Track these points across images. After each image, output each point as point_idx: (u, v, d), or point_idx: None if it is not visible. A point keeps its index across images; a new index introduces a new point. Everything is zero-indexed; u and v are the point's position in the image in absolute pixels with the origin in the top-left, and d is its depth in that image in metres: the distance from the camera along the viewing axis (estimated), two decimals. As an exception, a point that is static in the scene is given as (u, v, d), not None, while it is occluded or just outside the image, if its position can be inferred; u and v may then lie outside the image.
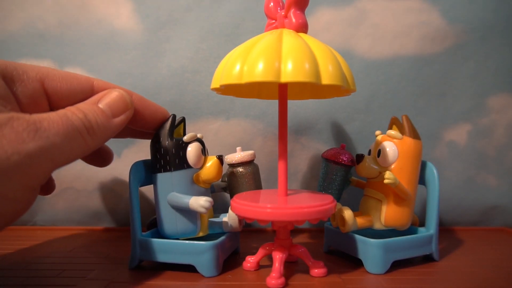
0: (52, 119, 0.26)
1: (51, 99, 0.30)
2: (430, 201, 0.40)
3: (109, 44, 0.49)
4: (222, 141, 0.49)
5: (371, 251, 0.35)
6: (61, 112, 0.27)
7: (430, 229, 0.39)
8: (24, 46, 0.48)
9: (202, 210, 0.33)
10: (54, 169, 0.27)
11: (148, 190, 0.38)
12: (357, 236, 0.37)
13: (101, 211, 0.50)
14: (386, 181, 0.35)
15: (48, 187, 0.37)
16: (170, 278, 0.34)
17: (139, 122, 0.35)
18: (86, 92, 0.31)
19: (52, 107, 0.30)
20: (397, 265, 0.36)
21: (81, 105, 0.29)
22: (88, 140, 0.28)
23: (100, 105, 0.30)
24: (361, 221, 0.38)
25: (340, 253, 0.41)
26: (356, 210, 0.40)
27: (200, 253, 0.34)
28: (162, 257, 0.35)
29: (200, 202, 0.33)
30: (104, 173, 0.49)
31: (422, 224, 0.41)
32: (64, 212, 0.50)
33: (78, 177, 0.49)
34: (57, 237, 0.47)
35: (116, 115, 0.30)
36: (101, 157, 0.39)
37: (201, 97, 0.49)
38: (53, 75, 0.30)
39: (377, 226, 0.38)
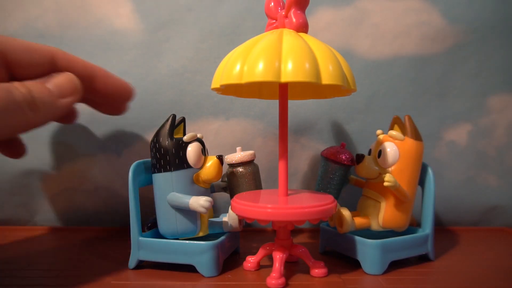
0: None
1: (12, 70, 0.30)
2: (426, 201, 0.40)
3: (109, 44, 0.49)
4: (222, 141, 0.49)
5: (368, 252, 0.35)
6: (4, 84, 0.27)
7: (426, 229, 0.39)
8: (24, 46, 0.48)
9: (202, 210, 0.33)
10: None
11: (148, 190, 0.38)
12: (354, 237, 0.36)
13: (101, 211, 0.50)
14: (386, 184, 0.35)
15: (16, 150, 0.37)
16: (170, 278, 0.34)
17: (103, 97, 0.37)
18: (47, 63, 0.32)
19: (13, 78, 0.30)
20: (393, 265, 0.36)
21: (28, 82, 0.29)
22: (29, 115, 0.28)
23: (48, 85, 0.30)
24: (359, 222, 0.37)
25: (336, 253, 0.41)
26: (353, 209, 0.40)
27: (200, 253, 0.34)
28: (162, 257, 0.35)
29: (200, 202, 0.33)
30: (104, 173, 0.49)
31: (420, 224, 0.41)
32: (64, 212, 0.50)
33: (78, 177, 0.49)
34: (57, 237, 0.47)
35: (63, 96, 0.31)
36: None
37: (201, 97, 0.49)
38: (14, 46, 0.30)
39: (375, 227, 0.38)
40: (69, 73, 0.32)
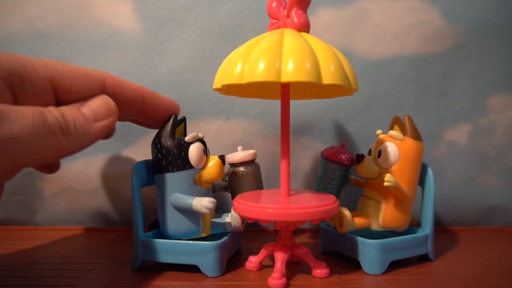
0: (23, 112, 0.25)
1: (59, 95, 0.29)
2: (426, 201, 0.40)
3: (109, 44, 0.49)
4: (222, 141, 0.49)
5: (369, 252, 0.35)
6: (37, 108, 0.26)
7: (426, 229, 0.40)
8: (24, 46, 0.48)
9: (206, 211, 0.33)
10: (17, 167, 0.25)
11: (147, 190, 0.38)
12: (354, 237, 0.36)
13: (101, 211, 0.50)
14: (386, 184, 0.35)
15: (51, 167, 0.36)
16: (172, 278, 0.34)
17: (152, 118, 0.36)
18: (97, 89, 0.31)
19: (60, 103, 0.29)
20: (393, 265, 0.36)
21: (62, 107, 0.28)
22: (62, 141, 0.27)
23: (82, 109, 0.29)
24: (359, 222, 0.37)
25: (336, 253, 0.41)
26: (354, 209, 0.40)
27: (205, 253, 0.34)
28: (165, 258, 0.35)
29: (203, 203, 0.33)
30: (104, 173, 0.49)
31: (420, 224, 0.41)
32: (64, 212, 0.50)
33: (78, 177, 0.49)
34: (57, 237, 0.47)
35: (98, 120, 0.30)
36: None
37: (201, 97, 0.49)
38: (64, 72, 0.29)
39: (375, 227, 0.38)
40: (104, 96, 0.31)
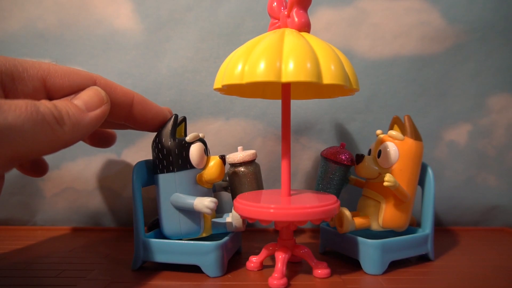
0: (16, 103, 0.25)
1: (51, 94, 0.29)
2: (425, 201, 0.40)
3: (109, 44, 0.49)
4: (222, 141, 0.49)
5: (368, 252, 0.35)
6: (29, 100, 0.26)
7: (425, 229, 0.40)
8: (24, 46, 0.48)
9: (207, 210, 0.33)
10: (15, 157, 0.25)
11: (147, 190, 0.38)
12: (354, 237, 0.36)
13: (101, 211, 0.50)
14: (386, 183, 0.35)
15: (38, 168, 0.37)
16: (172, 278, 0.34)
17: (140, 124, 0.36)
18: (88, 86, 0.31)
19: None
20: (393, 265, 0.36)
21: (54, 100, 0.29)
22: (57, 130, 0.27)
23: (74, 101, 0.29)
24: (359, 222, 0.37)
25: (336, 253, 0.41)
26: (353, 209, 0.40)
27: (206, 253, 0.34)
28: (166, 258, 0.35)
29: (204, 203, 0.33)
30: (104, 173, 0.49)
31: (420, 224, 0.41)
32: (64, 212, 0.50)
33: (78, 177, 0.49)
34: (57, 237, 0.47)
35: (91, 109, 0.30)
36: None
37: (201, 97, 0.49)
38: (55, 71, 0.29)
39: (375, 227, 0.38)
40: (94, 87, 0.31)
